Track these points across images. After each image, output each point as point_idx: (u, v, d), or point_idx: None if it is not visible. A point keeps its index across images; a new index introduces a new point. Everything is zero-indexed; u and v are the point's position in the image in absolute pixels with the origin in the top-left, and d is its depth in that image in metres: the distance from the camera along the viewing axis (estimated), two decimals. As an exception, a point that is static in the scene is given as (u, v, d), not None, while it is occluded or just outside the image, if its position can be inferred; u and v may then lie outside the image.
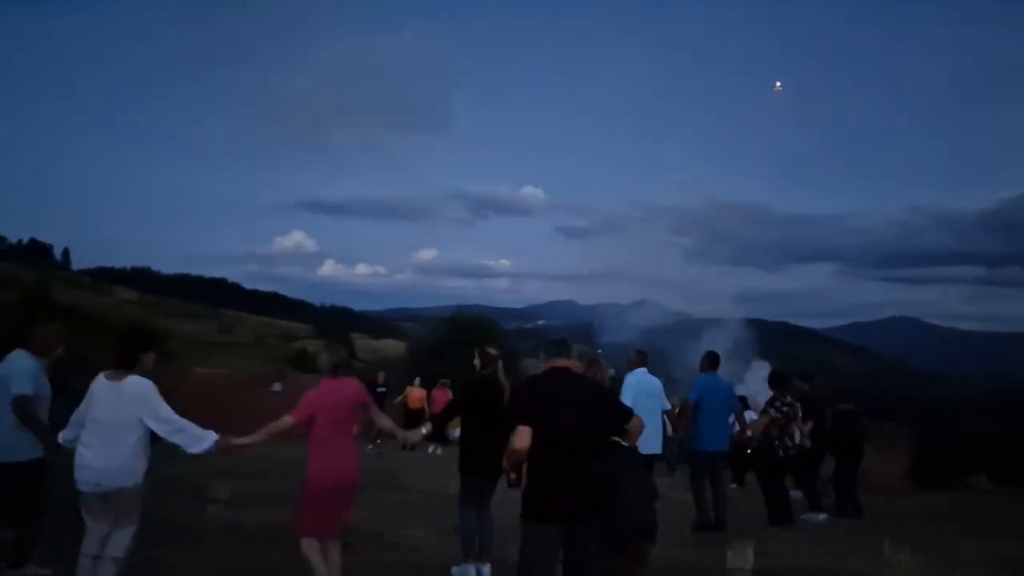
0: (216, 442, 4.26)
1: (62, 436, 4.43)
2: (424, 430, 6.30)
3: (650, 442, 7.12)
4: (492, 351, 5.80)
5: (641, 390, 7.26)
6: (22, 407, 4.71)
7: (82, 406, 4.34)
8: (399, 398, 16.54)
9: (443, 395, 15.45)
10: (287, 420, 4.55)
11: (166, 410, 4.24)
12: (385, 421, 5.25)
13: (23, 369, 4.84)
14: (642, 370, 7.51)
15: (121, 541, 4.21)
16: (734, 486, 11.51)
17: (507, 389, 5.53)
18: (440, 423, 6.65)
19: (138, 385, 4.24)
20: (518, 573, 3.66)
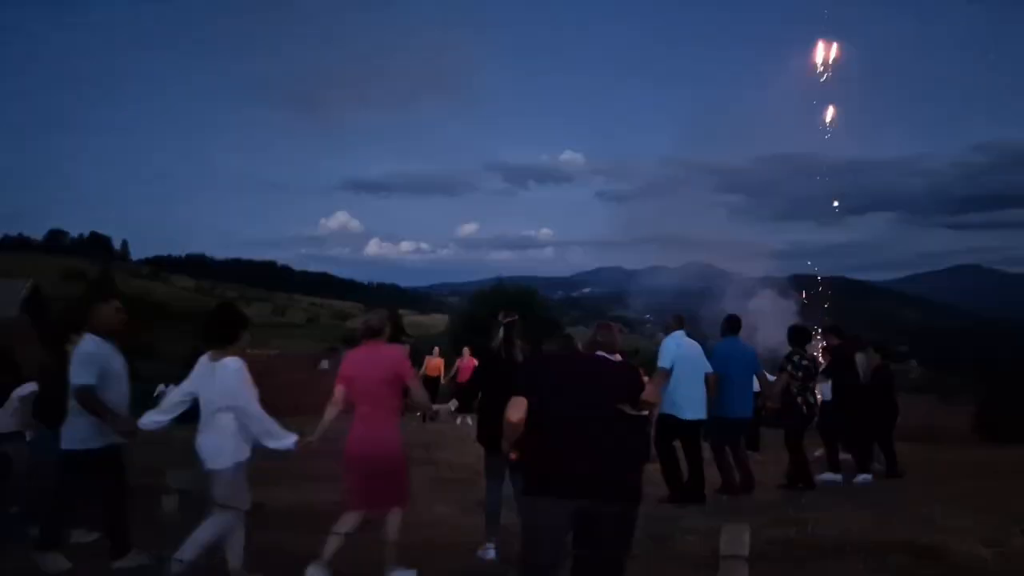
0: (296, 443, 4.14)
1: (145, 419, 4.32)
2: (451, 406, 6.16)
3: (695, 407, 6.93)
4: (506, 318, 5.50)
5: (680, 355, 6.99)
6: (83, 399, 4.46)
7: (184, 384, 4.29)
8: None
9: (468, 363, 15.52)
10: (336, 390, 4.51)
11: (246, 397, 4.12)
12: (420, 396, 4.96)
13: (83, 354, 4.56)
14: (680, 333, 7.18)
15: (209, 526, 4.07)
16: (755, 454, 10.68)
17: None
18: (465, 395, 6.43)
19: (232, 365, 4.14)
20: (520, 560, 3.31)
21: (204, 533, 4.06)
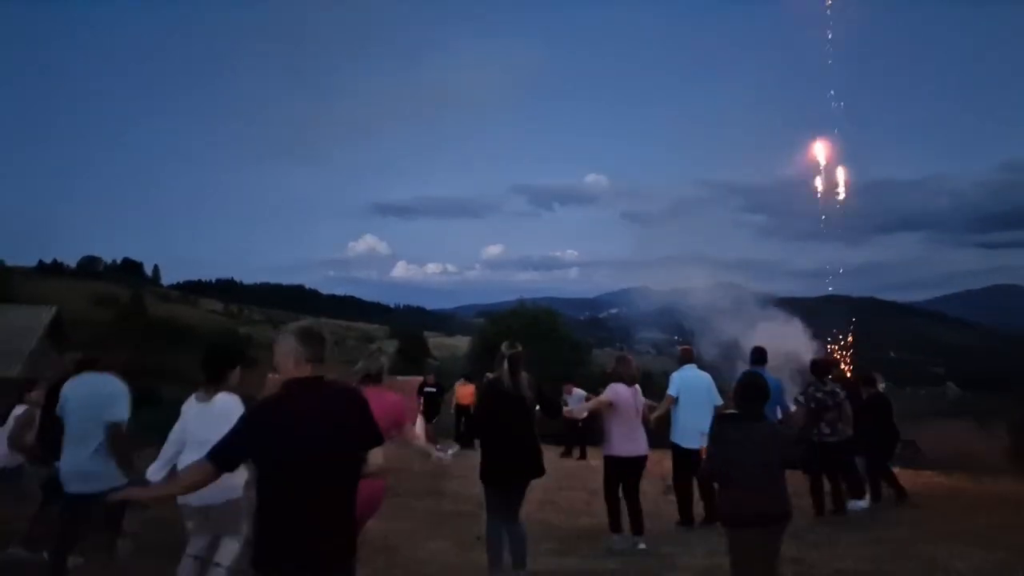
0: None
1: (152, 471, 4.24)
2: (450, 452, 6.05)
3: (692, 437, 7.00)
4: (509, 349, 5.38)
5: (685, 386, 7.27)
6: (119, 436, 4.44)
7: (174, 433, 4.27)
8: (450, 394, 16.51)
9: (466, 390, 15.48)
10: None
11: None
12: (418, 441, 4.94)
13: (120, 392, 4.59)
14: (691, 366, 7.49)
15: (228, 550, 4.20)
16: None
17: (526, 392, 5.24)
18: (469, 433, 6.30)
19: (228, 399, 4.22)
20: None
21: (225, 559, 4.13)
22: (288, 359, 2.84)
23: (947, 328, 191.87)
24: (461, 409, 15.66)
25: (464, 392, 16.07)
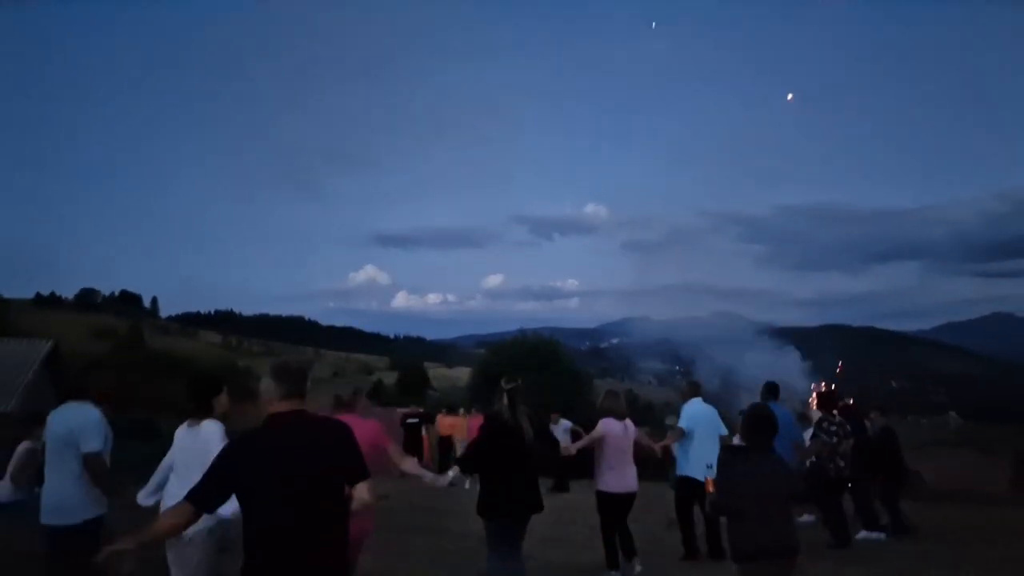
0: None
1: (142, 496, 4.27)
2: (451, 473, 6.01)
3: (703, 469, 7.00)
4: (509, 383, 5.39)
5: (694, 419, 7.43)
6: (97, 465, 4.43)
7: (165, 459, 4.28)
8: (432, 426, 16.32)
9: (447, 422, 15.42)
10: None
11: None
12: (407, 464, 4.89)
13: (94, 422, 4.55)
14: (697, 400, 7.63)
15: None
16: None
17: (525, 426, 5.24)
18: (464, 465, 6.24)
19: (211, 427, 4.14)
20: None
21: None
22: (266, 397, 2.82)
23: (947, 357, 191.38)
24: (444, 441, 15.48)
25: (446, 424, 15.94)
